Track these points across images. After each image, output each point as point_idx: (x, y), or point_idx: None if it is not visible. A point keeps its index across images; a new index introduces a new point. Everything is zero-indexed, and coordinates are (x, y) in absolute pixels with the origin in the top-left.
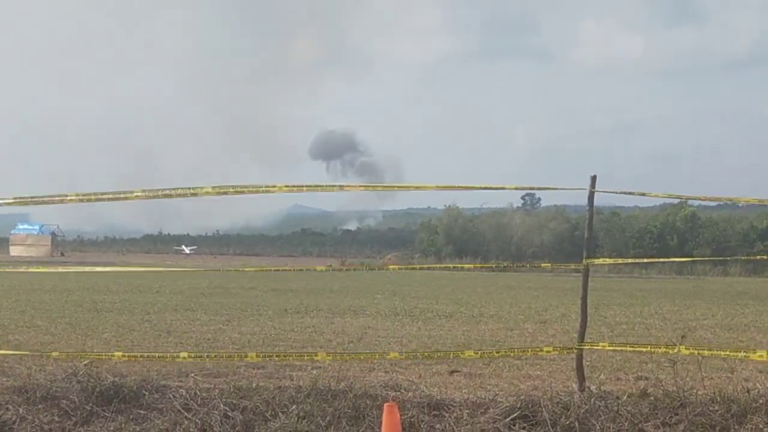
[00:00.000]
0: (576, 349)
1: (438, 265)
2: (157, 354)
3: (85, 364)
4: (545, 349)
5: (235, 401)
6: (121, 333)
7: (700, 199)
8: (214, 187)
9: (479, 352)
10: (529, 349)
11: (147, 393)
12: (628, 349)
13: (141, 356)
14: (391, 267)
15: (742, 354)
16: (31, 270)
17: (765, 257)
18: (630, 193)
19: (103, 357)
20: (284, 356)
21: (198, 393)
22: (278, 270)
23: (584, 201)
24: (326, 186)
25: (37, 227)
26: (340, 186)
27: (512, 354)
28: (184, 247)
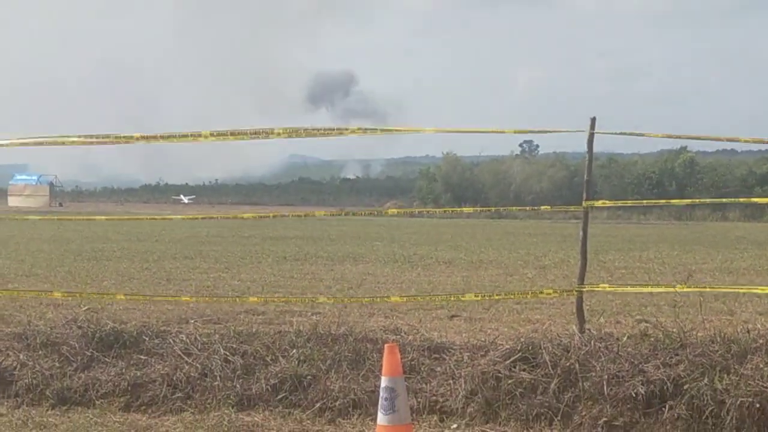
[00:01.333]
0: (576, 291)
1: (436, 209)
2: (159, 295)
3: (85, 310)
4: (545, 291)
5: (235, 346)
6: (121, 281)
7: (698, 138)
8: (213, 133)
9: (479, 294)
10: (529, 292)
11: (147, 338)
12: (629, 289)
13: (143, 297)
14: (390, 212)
15: (744, 289)
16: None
17: (764, 200)
18: (629, 134)
19: (105, 297)
20: (285, 298)
21: (198, 338)
22: (275, 216)
23: (583, 148)
24: (324, 130)
25: (35, 177)
26: (339, 130)
27: (512, 297)
28: (182, 196)
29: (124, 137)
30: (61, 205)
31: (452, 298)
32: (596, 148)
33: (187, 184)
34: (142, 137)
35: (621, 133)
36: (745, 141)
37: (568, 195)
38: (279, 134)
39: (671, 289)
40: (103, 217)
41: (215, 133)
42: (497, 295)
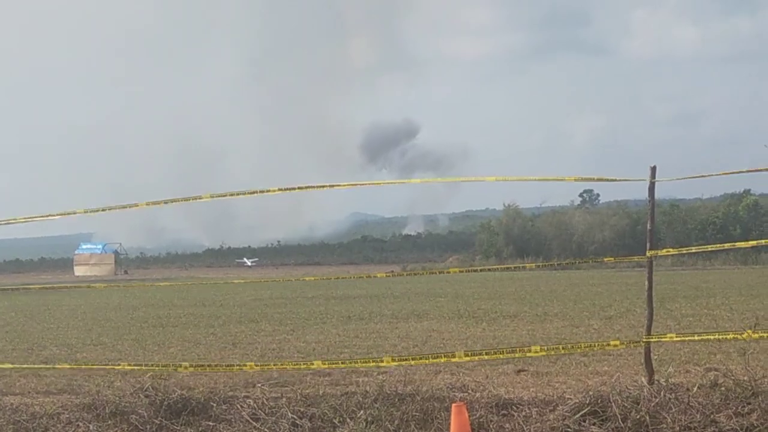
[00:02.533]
0: (644, 341)
1: (498, 266)
2: (224, 364)
3: (150, 377)
4: (612, 342)
5: (302, 409)
6: (187, 347)
7: (758, 171)
8: (281, 188)
9: (545, 347)
10: (596, 344)
11: (215, 404)
12: (696, 338)
13: (208, 366)
14: (451, 270)
15: None
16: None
17: None
18: (689, 177)
19: (170, 368)
20: (350, 362)
21: (265, 402)
22: (338, 278)
23: (644, 195)
24: (387, 182)
25: (100, 246)
26: (401, 181)
27: (579, 349)
28: (245, 259)
29: (191, 197)
30: (126, 272)
31: (518, 353)
32: (658, 195)
33: (249, 246)
34: (212, 195)
35: (682, 178)
36: None
37: (631, 243)
38: (342, 186)
39: (740, 336)
40: (166, 283)
41: (283, 188)
42: (563, 348)
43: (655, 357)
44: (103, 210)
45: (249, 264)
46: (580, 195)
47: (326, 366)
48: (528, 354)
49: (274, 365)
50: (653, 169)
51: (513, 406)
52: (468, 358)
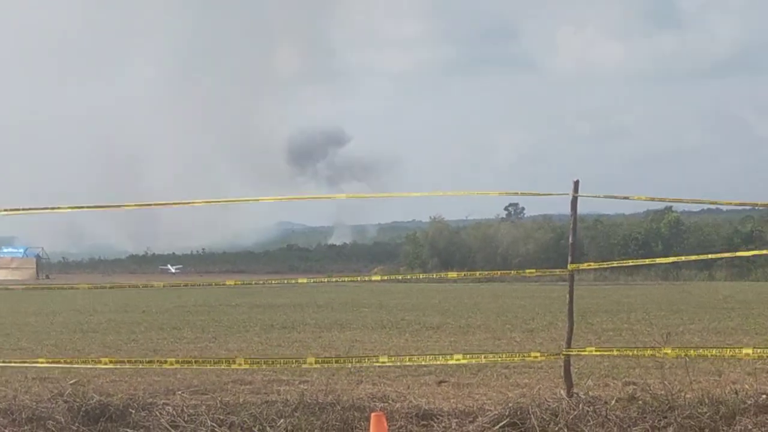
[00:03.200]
0: (563, 354)
1: (422, 275)
2: (144, 359)
3: (71, 384)
4: (533, 354)
5: (222, 417)
6: (107, 353)
7: (682, 201)
8: (206, 200)
9: (467, 355)
10: (517, 355)
11: (133, 411)
12: (615, 353)
13: (128, 360)
14: (374, 278)
15: (729, 352)
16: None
17: (748, 253)
18: (613, 197)
19: (90, 362)
20: (272, 361)
21: (185, 410)
22: (261, 283)
23: (568, 210)
24: (315, 196)
25: (21, 250)
26: (328, 196)
27: (500, 360)
28: (169, 266)
29: (115, 205)
30: (48, 277)
31: (440, 360)
32: (582, 210)
33: (174, 253)
34: (136, 205)
35: (605, 196)
36: (727, 203)
37: (555, 257)
38: (268, 199)
39: (658, 354)
40: (86, 285)
41: (207, 201)
42: (485, 357)
43: (575, 370)
44: (24, 210)
45: (173, 271)
46: (506, 208)
47: (248, 365)
48: (450, 361)
49: (196, 362)
50: (576, 184)
51: (433, 417)
52: (391, 363)
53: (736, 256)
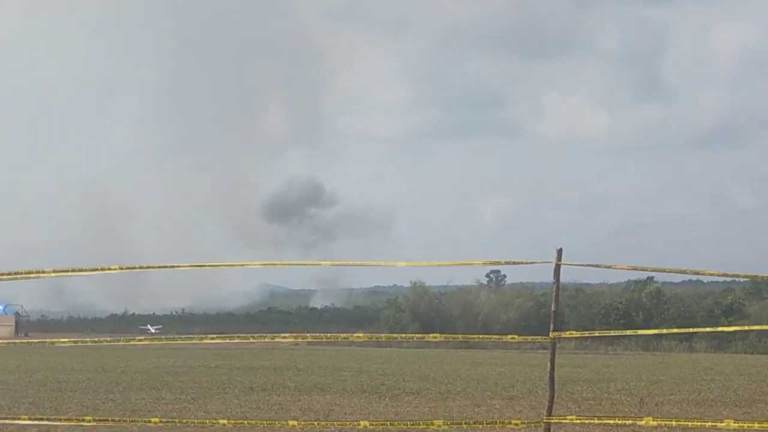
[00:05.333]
0: (544, 422)
1: (401, 335)
2: (128, 419)
3: None
4: (513, 421)
5: None
6: (85, 412)
7: (664, 271)
8: (191, 263)
9: (448, 422)
10: (497, 422)
11: None
12: (596, 421)
13: (112, 419)
14: (354, 337)
15: (710, 424)
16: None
17: (730, 329)
18: (596, 266)
19: (73, 420)
20: (255, 423)
21: None
22: (241, 340)
23: (550, 278)
24: (297, 263)
25: (0, 307)
26: (312, 263)
27: (480, 427)
28: (149, 326)
29: (100, 268)
30: (27, 335)
31: (421, 425)
32: (564, 279)
33: (154, 313)
34: (121, 267)
35: (587, 265)
36: (709, 274)
37: (535, 325)
38: (255, 265)
39: (639, 422)
40: (64, 340)
41: (193, 264)
42: (465, 423)
43: None
44: (8, 276)
45: (153, 331)
46: (487, 275)
47: (232, 425)
48: (430, 427)
49: (179, 422)
50: (559, 252)
51: None
52: (372, 427)
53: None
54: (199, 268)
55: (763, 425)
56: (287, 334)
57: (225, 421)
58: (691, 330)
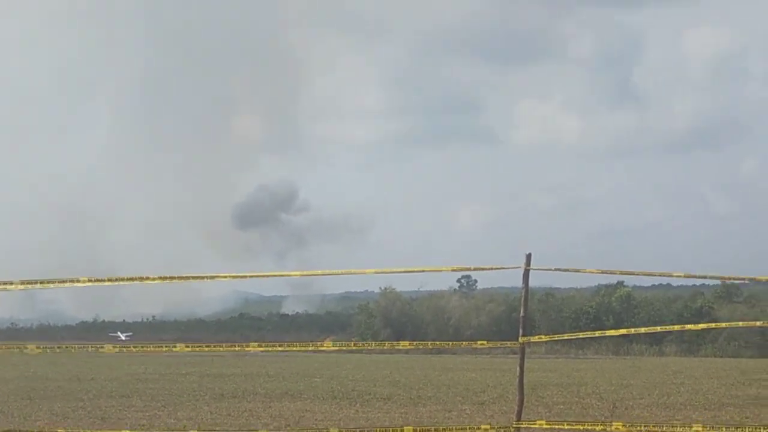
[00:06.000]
0: (513, 427)
1: (373, 342)
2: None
3: None
4: (482, 426)
5: None
6: (55, 420)
7: (633, 274)
8: (161, 276)
9: (417, 428)
10: (467, 427)
11: None
12: (565, 426)
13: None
14: (325, 346)
15: (680, 429)
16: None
17: (697, 327)
18: (564, 270)
19: (45, 430)
20: (226, 430)
21: None
22: (210, 350)
23: (521, 283)
24: (267, 274)
25: None
26: (282, 274)
27: None
28: (119, 333)
29: (69, 280)
30: None
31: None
32: (535, 284)
33: (124, 321)
34: (89, 280)
35: (555, 269)
36: (677, 276)
37: (507, 330)
38: (224, 277)
39: (609, 428)
40: (33, 345)
41: (163, 277)
42: (435, 430)
43: None
44: None
45: (123, 338)
46: (459, 280)
47: None
48: None
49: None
50: (528, 257)
51: None
52: None
53: (685, 331)
54: (168, 281)
55: (730, 430)
56: (256, 343)
57: (195, 431)
58: (658, 329)
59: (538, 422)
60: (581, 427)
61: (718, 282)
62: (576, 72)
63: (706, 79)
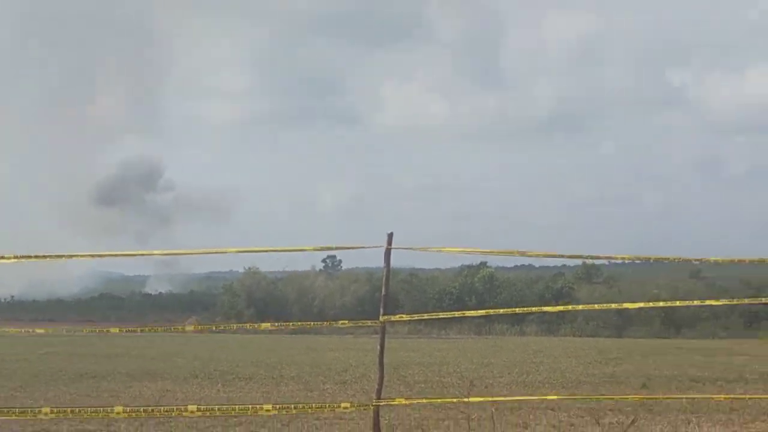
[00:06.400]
0: (373, 405)
1: (234, 324)
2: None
3: None
4: (343, 405)
5: None
6: None
7: (492, 254)
8: (17, 255)
9: (277, 406)
10: (327, 405)
11: None
12: (424, 401)
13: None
14: (188, 328)
15: (537, 397)
16: None
17: (554, 309)
18: (426, 249)
19: None
20: (79, 410)
21: None
22: (68, 333)
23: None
24: (127, 253)
25: None
26: (142, 253)
27: (310, 410)
28: None
29: None
30: None
31: (250, 410)
32: (399, 264)
33: None
34: None
35: (417, 249)
36: (535, 255)
37: (371, 310)
38: (81, 256)
39: (464, 400)
40: None
41: (18, 256)
42: (295, 408)
43: (386, 421)
44: None
45: None
46: (323, 261)
47: (54, 415)
48: (260, 412)
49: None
50: (390, 236)
51: None
52: (200, 413)
53: (545, 312)
54: (25, 260)
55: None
56: (117, 328)
57: (47, 409)
58: (517, 310)
59: (397, 400)
60: (439, 401)
61: (579, 263)
62: (440, 54)
63: (568, 61)
